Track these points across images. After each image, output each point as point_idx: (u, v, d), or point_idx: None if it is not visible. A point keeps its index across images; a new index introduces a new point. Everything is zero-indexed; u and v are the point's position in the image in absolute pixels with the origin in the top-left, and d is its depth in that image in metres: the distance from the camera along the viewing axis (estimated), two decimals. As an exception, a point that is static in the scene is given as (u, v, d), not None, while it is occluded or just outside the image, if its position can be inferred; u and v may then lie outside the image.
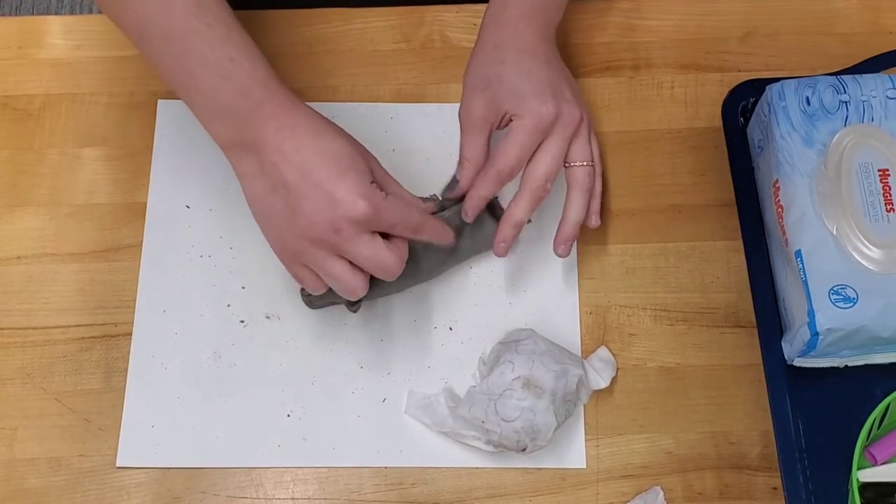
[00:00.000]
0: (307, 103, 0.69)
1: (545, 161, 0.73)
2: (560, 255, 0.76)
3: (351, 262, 0.67)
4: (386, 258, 0.68)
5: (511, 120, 0.73)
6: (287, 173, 0.66)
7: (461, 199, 0.74)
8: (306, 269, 0.69)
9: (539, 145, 0.73)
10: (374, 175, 0.69)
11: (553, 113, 0.72)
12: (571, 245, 0.76)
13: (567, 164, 0.75)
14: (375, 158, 0.71)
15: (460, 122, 0.75)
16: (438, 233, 0.72)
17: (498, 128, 0.74)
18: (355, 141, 0.70)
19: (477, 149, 0.73)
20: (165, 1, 0.68)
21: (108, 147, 0.85)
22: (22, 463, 0.75)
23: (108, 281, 0.80)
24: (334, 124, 0.70)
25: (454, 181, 0.74)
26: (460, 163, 0.74)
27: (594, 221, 0.77)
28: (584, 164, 0.74)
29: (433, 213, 0.74)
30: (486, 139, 0.74)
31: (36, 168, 0.84)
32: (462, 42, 0.88)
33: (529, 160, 0.73)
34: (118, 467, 0.75)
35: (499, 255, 0.75)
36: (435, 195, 0.76)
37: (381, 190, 0.68)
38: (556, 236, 0.76)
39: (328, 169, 0.66)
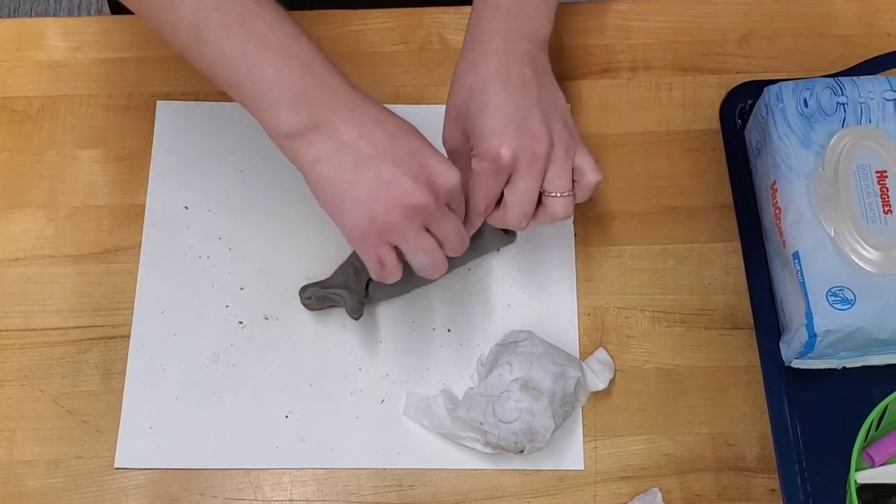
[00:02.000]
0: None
1: (516, 203, 0.71)
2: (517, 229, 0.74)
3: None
4: (463, 232, 0.69)
5: None
6: (377, 143, 0.65)
7: None
8: (390, 249, 0.68)
9: (510, 180, 0.71)
10: None
11: (510, 154, 0.69)
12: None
13: (543, 193, 0.71)
14: None
15: (444, 146, 0.74)
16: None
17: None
18: None
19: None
20: None
21: (106, 148, 0.85)
22: (20, 465, 0.75)
23: (106, 283, 0.80)
24: None
25: None
26: None
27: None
28: (560, 194, 0.71)
29: None
30: (468, 164, 0.72)
31: (34, 170, 0.84)
32: (460, 44, 0.87)
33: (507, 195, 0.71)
34: (116, 469, 0.75)
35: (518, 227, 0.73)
36: None
37: None
38: (514, 211, 0.72)
39: (418, 140, 0.67)
